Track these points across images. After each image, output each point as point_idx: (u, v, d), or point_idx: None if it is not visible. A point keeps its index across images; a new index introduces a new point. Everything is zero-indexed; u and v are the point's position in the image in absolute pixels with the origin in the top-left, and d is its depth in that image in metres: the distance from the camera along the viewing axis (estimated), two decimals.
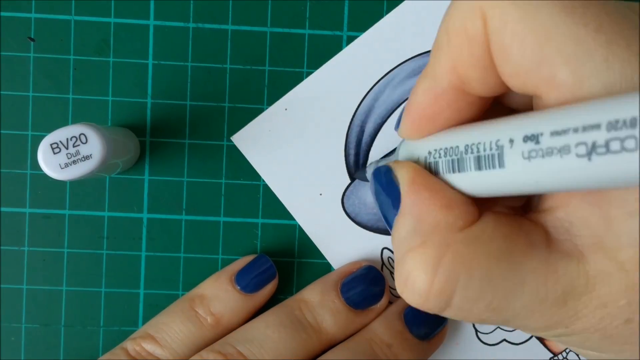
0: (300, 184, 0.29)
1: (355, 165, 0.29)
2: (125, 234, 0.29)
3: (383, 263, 0.29)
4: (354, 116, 0.29)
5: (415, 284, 0.16)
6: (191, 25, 0.28)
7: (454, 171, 0.16)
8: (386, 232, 0.29)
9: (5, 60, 0.28)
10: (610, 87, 0.13)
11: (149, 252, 0.29)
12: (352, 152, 0.29)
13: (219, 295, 0.27)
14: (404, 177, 0.18)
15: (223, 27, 0.28)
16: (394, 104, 0.29)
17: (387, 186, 0.18)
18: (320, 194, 0.29)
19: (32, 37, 0.28)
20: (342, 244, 0.29)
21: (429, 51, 0.28)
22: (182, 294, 0.29)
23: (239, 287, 0.27)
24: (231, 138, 0.29)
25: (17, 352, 0.29)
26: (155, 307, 0.29)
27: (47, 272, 0.29)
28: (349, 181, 0.29)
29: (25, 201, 0.29)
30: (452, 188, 0.17)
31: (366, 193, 0.29)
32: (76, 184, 0.29)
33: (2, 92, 0.28)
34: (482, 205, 0.17)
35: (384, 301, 0.28)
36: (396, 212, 0.17)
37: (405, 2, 0.28)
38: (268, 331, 0.25)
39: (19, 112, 0.28)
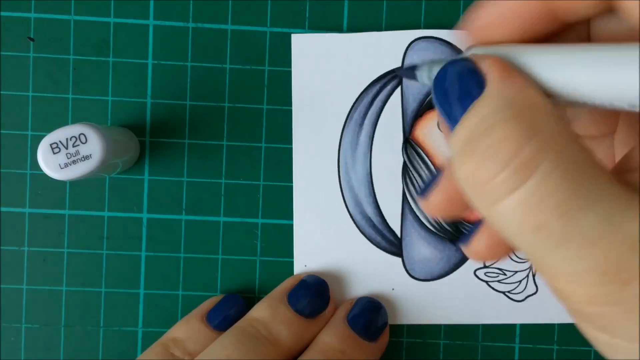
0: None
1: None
2: (125, 234, 0.29)
3: None
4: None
5: (500, 148, 0.14)
6: (191, 25, 0.28)
7: (544, 65, 0.15)
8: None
9: (5, 60, 0.28)
10: None
11: (149, 252, 0.29)
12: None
13: (192, 336, 0.27)
14: (491, 64, 0.15)
15: (223, 27, 0.28)
16: None
17: (465, 74, 0.15)
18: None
19: (32, 37, 0.28)
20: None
21: None
22: (182, 294, 0.29)
23: (212, 326, 0.27)
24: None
25: (17, 352, 0.29)
26: (155, 307, 0.29)
27: (47, 272, 0.29)
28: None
29: (25, 201, 0.29)
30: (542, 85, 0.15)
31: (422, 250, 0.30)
32: (76, 184, 0.29)
33: (2, 92, 0.28)
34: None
35: (331, 306, 0.28)
36: (469, 102, 0.15)
37: None
38: (226, 352, 0.25)
39: (18, 112, 0.28)
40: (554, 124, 0.14)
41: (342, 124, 0.29)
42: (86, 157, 0.23)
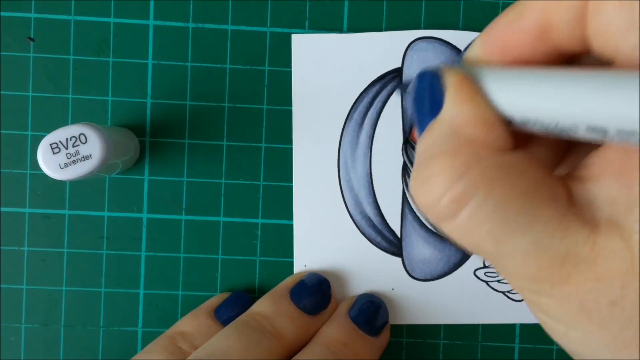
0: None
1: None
2: (125, 234, 0.29)
3: None
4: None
5: (433, 185, 0.16)
6: (191, 25, 0.28)
7: (502, 90, 0.16)
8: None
9: (5, 60, 0.28)
10: None
11: (148, 252, 0.29)
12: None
13: (200, 330, 0.27)
14: (451, 83, 0.17)
15: (223, 27, 0.28)
16: None
17: (430, 88, 0.17)
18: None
19: (32, 37, 0.28)
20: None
21: None
22: (182, 294, 0.29)
23: (220, 322, 0.28)
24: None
25: (17, 352, 0.29)
26: (155, 307, 0.29)
27: (47, 272, 0.29)
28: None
29: (25, 201, 0.29)
30: (496, 109, 0.16)
31: (420, 248, 0.30)
32: (76, 184, 0.29)
33: (2, 92, 0.28)
34: (520, 145, 0.17)
35: (333, 303, 0.29)
36: (432, 117, 0.17)
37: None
38: (229, 342, 0.25)
39: (18, 112, 0.28)
40: (492, 158, 0.16)
41: (342, 124, 0.29)
42: (86, 157, 0.23)
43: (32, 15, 0.28)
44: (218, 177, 0.29)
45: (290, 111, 0.29)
